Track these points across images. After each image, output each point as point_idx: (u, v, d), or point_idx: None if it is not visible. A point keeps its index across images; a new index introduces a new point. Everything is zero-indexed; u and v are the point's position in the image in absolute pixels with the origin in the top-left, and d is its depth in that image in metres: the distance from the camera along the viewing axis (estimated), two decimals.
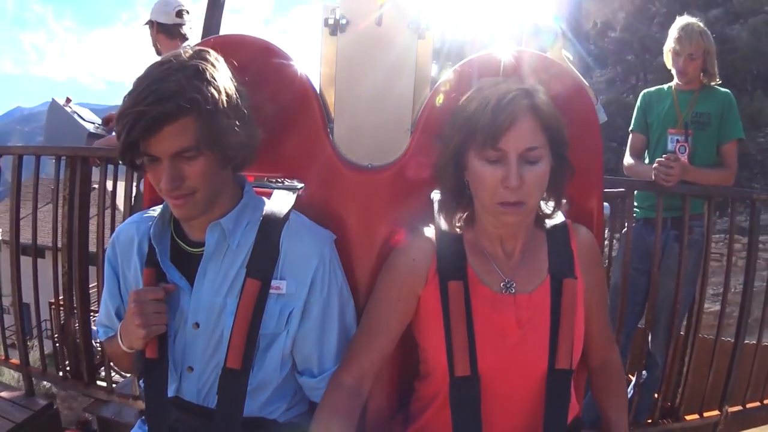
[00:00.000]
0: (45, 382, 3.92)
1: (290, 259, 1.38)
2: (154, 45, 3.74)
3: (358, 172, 1.54)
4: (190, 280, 1.39)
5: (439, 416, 1.39)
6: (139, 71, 1.28)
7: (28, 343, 3.58)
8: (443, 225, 1.40)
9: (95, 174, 3.29)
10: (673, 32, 3.08)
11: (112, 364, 3.19)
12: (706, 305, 3.12)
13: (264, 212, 1.42)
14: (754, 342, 3.41)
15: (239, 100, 1.31)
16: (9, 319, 3.65)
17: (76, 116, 3.81)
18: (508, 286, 1.37)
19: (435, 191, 1.47)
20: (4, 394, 3.16)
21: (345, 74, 1.55)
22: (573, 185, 1.39)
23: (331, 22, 1.52)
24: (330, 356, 1.41)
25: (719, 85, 3.12)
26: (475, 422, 1.31)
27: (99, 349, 3.65)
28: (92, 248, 3.19)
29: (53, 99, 3.96)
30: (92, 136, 3.75)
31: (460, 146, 1.31)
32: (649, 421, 3.10)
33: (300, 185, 1.58)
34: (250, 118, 1.35)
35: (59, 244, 3.23)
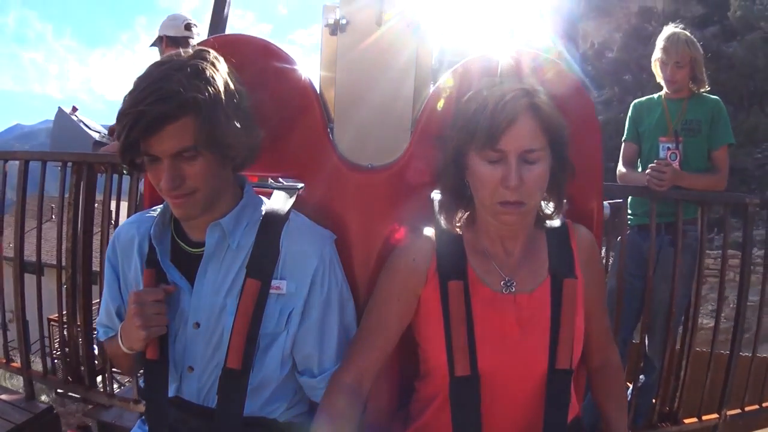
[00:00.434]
0: (45, 397, 3.92)
1: (290, 259, 1.38)
2: None
3: (358, 172, 1.54)
4: (190, 280, 1.39)
5: (439, 416, 1.39)
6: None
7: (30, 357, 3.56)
8: (443, 225, 1.40)
9: (99, 185, 3.32)
10: (660, 42, 3.14)
11: (113, 368, 3.21)
12: (706, 321, 3.14)
13: (264, 212, 1.42)
14: (749, 354, 3.44)
15: (239, 100, 1.32)
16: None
17: (82, 125, 3.85)
18: (508, 285, 1.37)
19: (435, 191, 1.47)
20: (4, 396, 3.17)
21: (345, 74, 1.55)
22: (573, 185, 1.40)
23: (331, 22, 1.52)
24: (330, 356, 1.41)
25: (708, 92, 3.17)
26: (475, 422, 1.32)
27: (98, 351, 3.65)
28: (95, 247, 3.20)
29: (60, 108, 4.00)
30: (98, 144, 3.79)
31: (460, 146, 1.31)
32: (648, 425, 3.11)
33: (300, 185, 1.57)
34: (251, 118, 1.35)
35: (64, 249, 3.23)
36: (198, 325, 1.38)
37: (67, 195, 3.20)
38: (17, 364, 3.33)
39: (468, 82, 1.45)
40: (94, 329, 3.16)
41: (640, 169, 3.22)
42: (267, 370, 1.39)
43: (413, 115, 1.57)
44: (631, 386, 3.09)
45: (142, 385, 1.45)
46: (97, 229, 3.23)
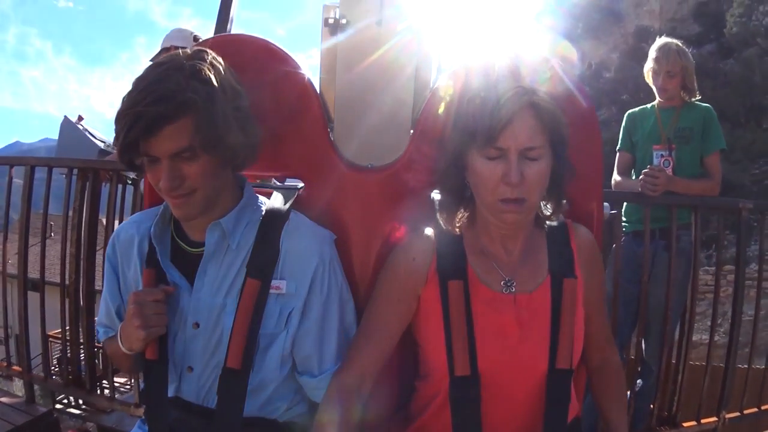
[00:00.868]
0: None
1: (290, 258, 1.38)
2: None
3: (358, 172, 1.55)
4: (190, 280, 1.39)
5: (439, 416, 1.39)
6: None
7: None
8: (443, 225, 1.40)
9: (103, 198, 3.35)
10: (652, 52, 3.21)
11: (114, 371, 3.22)
12: (705, 336, 3.18)
13: (264, 212, 1.43)
14: (745, 366, 3.49)
15: (238, 100, 1.32)
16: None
17: (87, 134, 3.88)
18: (508, 285, 1.37)
19: (435, 191, 1.47)
20: (4, 399, 3.18)
21: (345, 74, 1.55)
22: (573, 186, 1.40)
23: (331, 22, 1.52)
24: (330, 356, 1.41)
25: (699, 100, 3.23)
26: (475, 422, 1.32)
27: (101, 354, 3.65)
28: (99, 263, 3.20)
29: (65, 117, 4.05)
30: (103, 153, 3.82)
31: (460, 146, 1.31)
32: (647, 429, 3.13)
33: (300, 185, 1.58)
34: (250, 118, 1.35)
35: (68, 269, 3.23)
36: (198, 325, 1.38)
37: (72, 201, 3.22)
38: (18, 368, 3.33)
39: (468, 82, 1.43)
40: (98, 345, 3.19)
41: (634, 178, 3.27)
42: (267, 370, 1.39)
43: (413, 115, 1.57)
44: (629, 392, 3.10)
45: (142, 386, 1.45)
46: (99, 246, 3.24)
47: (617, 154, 3.40)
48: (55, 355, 6.40)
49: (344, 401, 1.33)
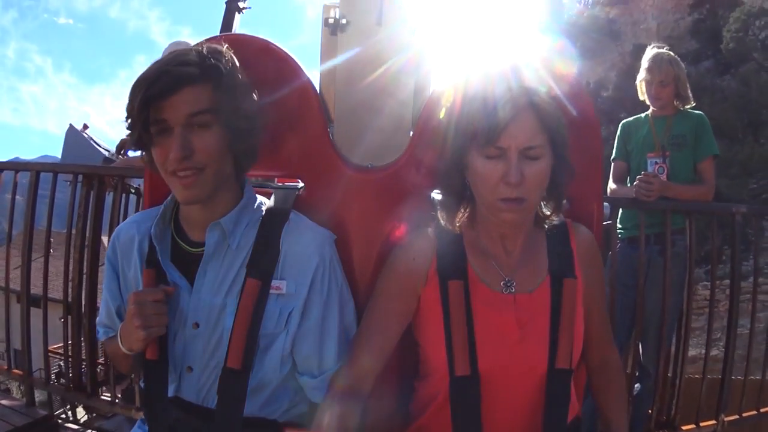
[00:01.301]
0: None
1: (290, 259, 1.38)
2: None
3: (358, 172, 1.54)
4: (190, 280, 1.38)
5: (439, 416, 1.38)
6: None
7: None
8: (443, 224, 1.39)
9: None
10: (644, 62, 3.28)
11: (116, 377, 3.23)
12: (702, 351, 3.22)
13: (264, 212, 1.43)
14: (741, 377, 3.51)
15: (249, 90, 1.36)
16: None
17: (92, 141, 3.92)
18: (508, 285, 1.37)
19: (435, 191, 1.46)
20: (5, 402, 3.18)
21: (345, 74, 1.56)
22: (573, 186, 1.39)
23: (331, 21, 1.53)
24: (330, 356, 1.41)
25: (693, 108, 3.29)
26: (475, 422, 1.32)
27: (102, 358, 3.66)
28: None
29: (71, 125, 4.09)
30: (107, 161, 3.85)
31: (460, 145, 1.31)
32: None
33: (300, 185, 1.57)
34: (256, 112, 1.37)
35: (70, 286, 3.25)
36: (197, 325, 1.37)
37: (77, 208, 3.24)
38: (19, 371, 3.34)
39: (468, 82, 1.43)
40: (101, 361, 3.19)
41: (629, 186, 3.31)
42: (266, 371, 1.38)
43: (413, 115, 1.58)
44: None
45: (142, 386, 1.44)
46: (102, 262, 3.24)
47: (612, 163, 3.45)
48: (54, 370, 6.38)
49: (344, 402, 1.33)
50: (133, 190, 3.61)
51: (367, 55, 1.56)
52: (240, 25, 8.29)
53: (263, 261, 1.37)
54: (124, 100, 1.29)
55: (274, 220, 1.41)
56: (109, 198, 3.31)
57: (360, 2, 1.55)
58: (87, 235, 3.23)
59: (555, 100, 1.31)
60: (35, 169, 3.32)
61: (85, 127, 4.06)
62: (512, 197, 1.26)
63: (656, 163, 3.20)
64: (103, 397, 3.24)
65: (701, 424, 3.19)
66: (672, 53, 3.28)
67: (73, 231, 3.28)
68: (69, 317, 3.25)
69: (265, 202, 1.47)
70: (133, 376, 2.81)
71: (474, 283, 1.37)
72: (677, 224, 3.11)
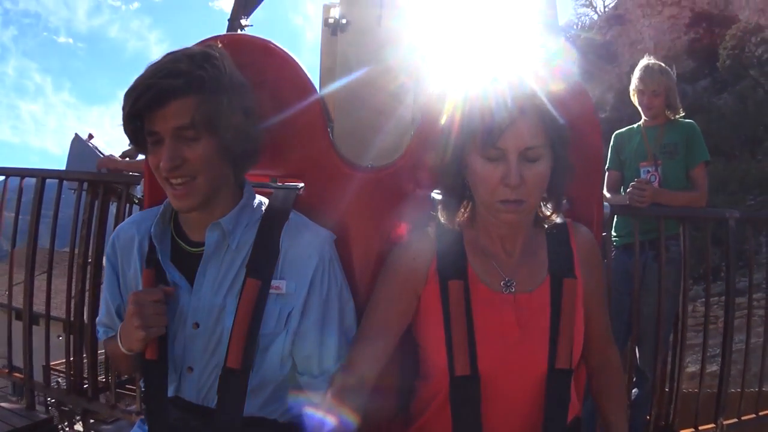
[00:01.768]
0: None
1: (290, 258, 1.38)
2: None
3: (358, 172, 1.54)
4: (190, 280, 1.39)
5: (439, 416, 1.39)
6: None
7: None
8: (443, 225, 1.40)
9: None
10: (637, 73, 3.36)
11: (118, 383, 3.23)
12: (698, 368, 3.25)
13: (264, 212, 1.43)
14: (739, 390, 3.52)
15: (245, 93, 1.34)
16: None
17: (97, 151, 3.95)
18: (508, 285, 1.37)
19: (435, 191, 1.47)
20: (5, 404, 3.18)
21: (345, 74, 1.55)
22: (573, 186, 1.39)
23: (331, 22, 1.53)
24: (330, 356, 1.41)
25: (683, 117, 3.37)
26: (475, 422, 1.32)
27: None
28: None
29: (76, 134, 4.12)
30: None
31: (460, 146, 1.31)
32: None
33: (300, 185, 1.57)
34: (254, 113, 1.37)
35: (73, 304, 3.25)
36: (197, 325, 1.38)
37: (81, 214, 3.28)
38: (20, 375, 3.35)
39: (468, 83, 1.42)
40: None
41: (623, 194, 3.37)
42: (266, 370, 1.39)
43: (413, 115, 1.58)
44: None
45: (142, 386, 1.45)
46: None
47: (606, 173, 3.50)
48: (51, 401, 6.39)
49: (345, 402, 1.33)
50: (136, 200, 3.64)
51: (367, 55, 1.57)
52: None
53: (263, 261, 1.37)
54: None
55: (273, 220, 1.42)
56: (112, 208, 3.34)
57: (360, 2, 1.56)
58: (91, 241, 3.26)
59: (555, 100, 1.31)
60: (41, 175, 3.36)
61: (90, 136, 4.09)
62: (512, 199, 1.26)
63: (648, 171, 3.28)
64: (103, 401, 3.26)
65: (700, 428, 3.21)
66: (663, 64, 3.37)
67: (76, 250, 3.30)
68: (71, 323, 3.26)
69: (265, 202, 1.47)
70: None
71: (474, 283, 1.37)
72: (671, 230, 3.16)
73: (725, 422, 3.23)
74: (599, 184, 1.64)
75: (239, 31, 8.21)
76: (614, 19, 26.80)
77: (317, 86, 1.62)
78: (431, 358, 1.39)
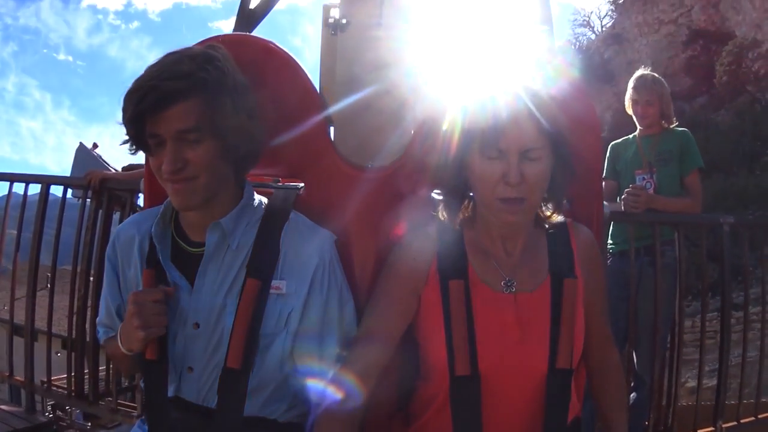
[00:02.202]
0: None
1: (290, 259, 1.38)
2: None
3: (358, 172, 1.54)
4: (190, 280, 1.38)
5: (439, 416, 1.38)
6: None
7: None
8: (444, 224, 1.40)
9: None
10: (631, 83, 3.44)
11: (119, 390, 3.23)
12: (705, 381, 3.32)
13: (264, 212, 1.43)
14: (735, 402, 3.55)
15: (246, 95, 1.34)
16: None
17: (101, 159, 3.98)
18: (508, 285, 1.37)
19: (435, 191, 1.46)
20: (5, 407, 3.18)
21: (345, 75, 1.56)
22: (573, 186, 1.39)
23: (331, 22, 1.54)
24: (330, 356, 1.40)
25: (677, 126, 3.44)
26: (476, 422, 1.32)
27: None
28: None
29: (81, 143, 4.17)
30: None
31: (461, 146, 1.31)
32: None
33: (300, 185, 1.57)
34: (256, 114, 1.36)
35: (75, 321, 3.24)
36: (197, 325, 1.37)
37: (86, 222, 3.29)
38: (21, 378, 3.35)
39: (468, 84, 1.42)
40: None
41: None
42: (266, 371, 1.38)
43: (413, 115, 1.57)
44: None
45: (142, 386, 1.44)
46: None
47: (602, 183, 3.55)
48: (49, 402, 6.36)
49: (345, 402, 1.33)
50: (140, 209, 3.66)
51: (367, 55, 1.57)
52: None
53: (263, 261, 1.37)
54: (121, 142, 1.32)
55: (274, 220, 1.41)
56: (116, 217, 3.36)
57: (360, 2, 1.57)
58: (94, 252, 3.26)
59: (555, 100, 1.31)
60: (45, 181, 3.38)
61: (95, 146, 4.12)
62: (512, 197, 1.26)
63: (644, 178, 3.34)
64: (103, 404, 3.24)
65: (699, 431, 3.23)
66: (656, 75, 3.45)
67: (78, 268, 3.30)
68: (72, 340, 3.25)
69: (265, 203, 1.47)
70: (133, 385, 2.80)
71: (474, 282, 1.37)
72: (666, 236, 3.21)
73: (724, 425, 3.24)
74: (599, 184, 1.64)
75: None
76: (611, 38, 26.95)
77: (317, 86, 1.59)
78: (431, 358, 1.39)
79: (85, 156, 4.02)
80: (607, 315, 1.55)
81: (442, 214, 1.40)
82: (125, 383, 3.63)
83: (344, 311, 1.44)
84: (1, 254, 3.68)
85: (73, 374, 3.28)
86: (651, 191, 3.26)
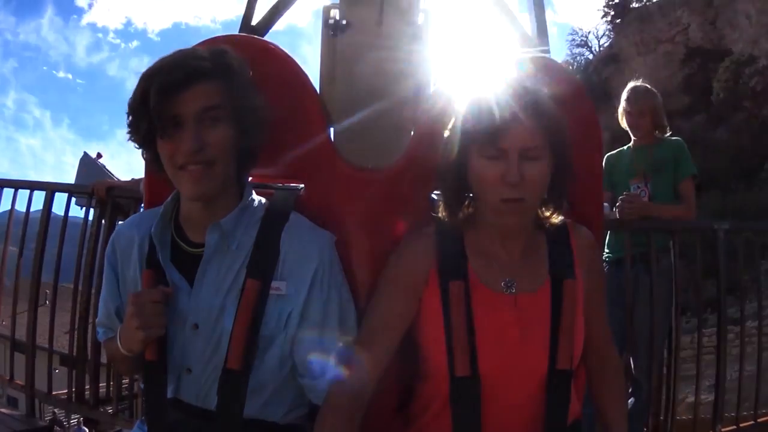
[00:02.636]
0: None
1: (290, 259, 1.38)
2: None
3: (358, 173, 1.54)
4: (190, 281, 1.38)
5: (439, 417, 1.38)
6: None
7: None
8: (444, 225, 1.40)
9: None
10: (624, 95, 3.49)
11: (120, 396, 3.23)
12: (703, 396, 3.34)
13: (264, 213, 1.42)
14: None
15: (254, 91, 1.37)
16: None
17: (105, 169, 4.00)
18: (508, 286, 1.37)
19: (436, 191, 1.47)
20: (5, 410, 3.17)
21: (345, 75, 1.56)
22: (573, 187, 1.39)
23: (331, 22, 1.53)
24: (331, 358, 1.39)
25: (670, 136, 3.49)
26: (476, 423, 1.31)
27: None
28: None
29: (85, 152, 4.18)
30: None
31: (461, 146, 1.31)
32: None
33: (300, 186, 1.57)
34: (263, 105, 1.39)
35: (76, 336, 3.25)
36: (197, 326, 1.37)
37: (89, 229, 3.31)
38: (21, 381, 3.35)
39: (468, 83, 1.43)
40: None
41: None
42: (266, 372, 1.38)
43: (414, 116, 1.58)
44: None
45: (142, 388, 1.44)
46: None
47: None
48: (47, 416, 6.35)
49: (345, 403, 1.33)
50: None
51: (367, 55, 1.57)
52: None
53: (263, 262, 1.37)
54: (121, 161, 1.33)
55: (274, 221, 1.41)
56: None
57: (360, 3, 1.56)
58: (96, 262, 3.26)
59: (555, 101, 1.32)
60: (50, 188, 3.40)
61: (99, 156, 4.14)
62: (512, 197, 1.26)
63: (639, 187, 3.38)
64: (104, 410, 3.26)
65: None
66: (648, 86, 3.50)
67: (80, 287, 3.32)
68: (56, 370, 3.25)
69: (265, 203, 1.47)
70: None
71: (474, 283, 1.37)
72: (661, 243, 3.25)
73: (723, 429, 3.26)
74: (599, 185, 1.65)
75: None
76: (609, 58, 27.15)
77: (317, 87, 1.62)
78: (431, 359, 1.39)
79: (90, 166, 4.04)
80: (606, 316, 1.55)
81: (442, 215, 1.41)
82: (125, 392, 3.62)
83: (344, 312, 1.44)
84: (4, 269, 3.68)
85: (73, 390, 3.28)
86: (645, 199, 3.31)
